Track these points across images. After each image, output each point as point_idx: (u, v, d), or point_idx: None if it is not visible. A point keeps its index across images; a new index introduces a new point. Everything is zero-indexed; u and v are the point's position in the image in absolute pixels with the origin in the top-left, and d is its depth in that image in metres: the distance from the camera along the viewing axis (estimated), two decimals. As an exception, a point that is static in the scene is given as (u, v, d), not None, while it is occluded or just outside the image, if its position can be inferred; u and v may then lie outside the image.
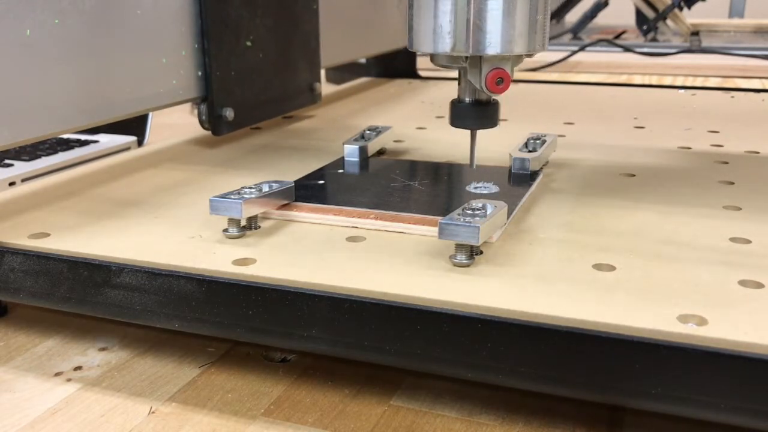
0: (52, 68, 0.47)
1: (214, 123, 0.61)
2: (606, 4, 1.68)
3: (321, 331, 0.36)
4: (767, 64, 1.27)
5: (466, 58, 0.42)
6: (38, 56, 0.46)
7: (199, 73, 0.60)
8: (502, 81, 0.42)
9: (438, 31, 0.41)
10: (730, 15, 2.25)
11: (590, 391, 0.33)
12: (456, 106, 0.45)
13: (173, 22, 0.57)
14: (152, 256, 0.39)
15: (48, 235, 0.43)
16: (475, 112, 0.45)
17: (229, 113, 0.62)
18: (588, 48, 1.44)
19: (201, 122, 0.61)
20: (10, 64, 0.44)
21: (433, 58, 0.43)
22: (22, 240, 0.42)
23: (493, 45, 0.40)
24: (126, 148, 0.79)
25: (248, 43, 0.64)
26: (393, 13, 1.00)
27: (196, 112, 0.61)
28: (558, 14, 1.84)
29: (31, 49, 0.45)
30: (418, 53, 0.43)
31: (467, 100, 0.45)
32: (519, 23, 0.40)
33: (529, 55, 0.42)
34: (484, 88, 0.42)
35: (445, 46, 0.41)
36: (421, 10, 0.41)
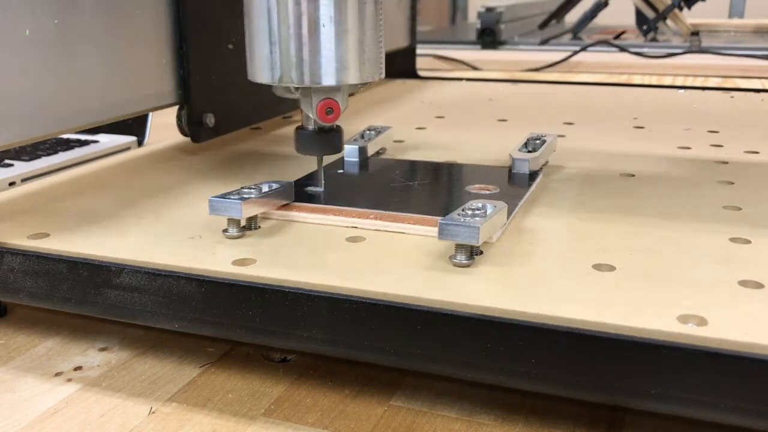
0: (52, 68, 0.47)
1: (193, 129, 0.59)
2: (606, 4, 1.68)
3: (321, 331, 0.36)
4: (767, 64, 1.27)
5: (298, 88, 0.43)
6: (38, 56, 0.46)
7: (179, 78, 0.58)
8: (331, 111, 0.43)
9: (268, 63, 0.42)
10: (730, 15, 2.25)
11: (590, 391, 0.33)
12: (300, 133, 0.46)
13: (151, 25, 0.55)
14: (152, 257, 0.39)
15: (48, 235, 0.43)
16: (318, 140, 0.46)
17: (209, 119, 0.60)
18: (588, 48, 1.44)
19: (180, 128, 0.59)
20: (9, 65, 0.44)
21: (272, 87, 0.44)
22: (21, 240, 0.42)
23: (319, 77, 0.41)
24: (126, 148, 0.79)
25: (230, 46, 0.62)
26: (392, 13, 1.00)
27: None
28: (558, 14, 1.84)
29: (31, 49, 0.45)
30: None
31: (310, 127, 0.46)
32: (345, 56, 0.41)
33: (363, 85, 0.43)
34: (316, 118, 0.43)
35: (275, 77, 0.42)
36: (252, 41, 0.43)
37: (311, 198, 0.47)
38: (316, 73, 0.41)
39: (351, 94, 0.45)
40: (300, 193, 0.48)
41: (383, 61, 0.44)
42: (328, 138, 0.46)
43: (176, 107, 0.60)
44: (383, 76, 0.44)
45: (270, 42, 0.41)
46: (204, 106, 0.60)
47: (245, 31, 0.43)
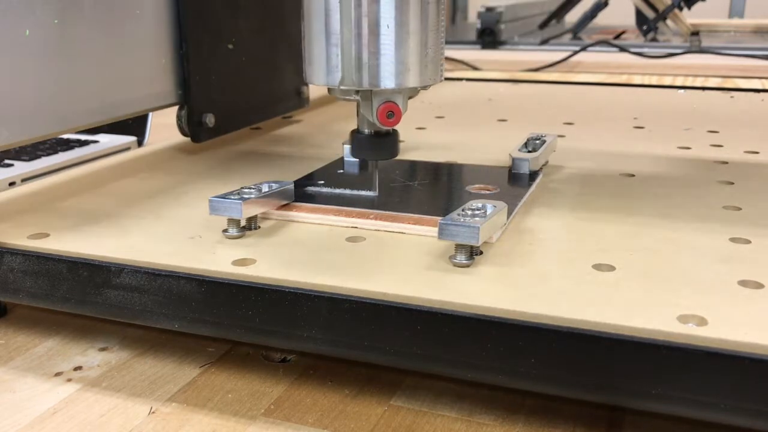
0: (52, 68, 0.47)
1: (193, 129, 0.59)
2: (606, 4, 1.68)
3: (321, 331, 0.36)
4: (767, 64, 1.27)
5: (358, 91, 0.42)
6: (38, 56, 0.46)
7: (179, 78, 0.58)
8: (392, 114, 0.42)
9: (328, 65, 0.41)
10: (730, 15, 2.25)
11: (590, 391, 0.33)
12: (356, 137, 0.45)
13: (152, 25, 0.55)
14: (152, 257, 0.39)
15: (48, 235, 0.43)
16: (373, 144, 0.45)
17: (209, 119, 0.60)
18: (588, 48, 1.44)
19: (180, 128, 0.59)
20: (9, 64, 0.44)
21: (329, 90, 0.43)
22: (21, 240, 0.42)
23: (381, 79, 0.40)
24: (126, 148, 0.79)
25: (230, 46, 0.62)
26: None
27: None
28: (558, 14, 1.84)
29: (31, 49, 0.45)
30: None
31: (366, 131, 0.45)
32: (408, 58, 0.40)
33: (424, 88, 0.43)
34: (376, 121, 0.43)
35: (335, 80, 0.41)
36: (312, 43, 0.42)
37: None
38: (378, 77, 0.40)
39: (410, 97, 0.44)
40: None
41: (442, 64, 0.43)
42: (385, 142, 0.45)
43: (175, 107, 0.59)
44: (443, 78, 0.44)
45: (330, 45, 0.40)
46: (204, 106, 0.60)
47: (303, 35, 0.42)
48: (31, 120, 0.46)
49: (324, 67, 0.41)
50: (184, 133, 0.60)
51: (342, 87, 0.41)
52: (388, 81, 0.40)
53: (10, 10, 0.43)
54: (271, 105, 0.70)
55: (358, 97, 0.43)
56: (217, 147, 0.64)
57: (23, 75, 0.45)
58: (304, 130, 0.73)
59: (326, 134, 0.70)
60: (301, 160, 0.59)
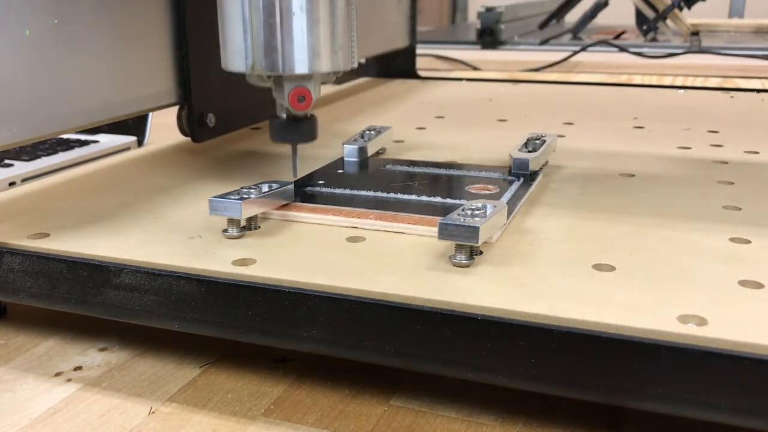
0: (52, 68, 0.47)
1: (194, 129, 0.59)
2: (606, 4, 1.68)
3: (321, 331, 0.36)
4: (767, 64, 1.27)
5: (269, 77, 0.43)
6: (38, 56, 0.46)
7: (178, 77, 0.58)
8: (303, 99, 0.43)
9: (240, 52, 0.42)
10: (730, 15, 2.25)
11: (590, 391, 0.33)
12: (274, 122, 0.46)
13: (152, 24, 0.55)
14: (152, 257, 0.39)
15: (48, 235, 0.43)
16: (291, 128, 0.46)
17: (210, 119, 0.59)
18: (588, 48, 1.44)
19: (180, 128, 0.59)
20: (9, 64, 0.44)
21: (246, 75, 0.44)
22: (21, 240, 0.42)
23: (289, 65, 0.41)
24: (126, 148, 0.79)
25: None
26: (392, 13, 1.00)
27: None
28: (558, 14, 1.84)
29: (31, 49, 0.45)
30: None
31: (284, 116, 0.46)
32: (316, 44, 0.41)
33: (336, 74, 0.43)
34: (288, 106, 0.43)
35: (246, 66, 0.42)
36: (225, 31, 0.43)
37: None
38: (286, 62, 0.41)
39: (323, 83, 0.45)
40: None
41: (355, 51, 0.44)
42: (302, 126, 0.45)
43: (175, 107, 0.60)
44: (356, 65, 0.45)
45: (243, 31, 0.41)
46: (204, 106, 0.60)
47: (218, 21, 0.43)
48: (31, 120, 0.46)
49: (237, 54, 0.42)
50: (184, 133, 0.60)
51: (254, 73, 0.42)
52: (297, 66, 0.41)
53: (10, 10, 0.43)
54: (272, 104, 0.69)
55: (270, 83, 0.43)
56: (217, 147, 0.64)
57: (23, 75, 0.45)
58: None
59: (328, 134, 0.70)
60: (303, 160, 0.59)
